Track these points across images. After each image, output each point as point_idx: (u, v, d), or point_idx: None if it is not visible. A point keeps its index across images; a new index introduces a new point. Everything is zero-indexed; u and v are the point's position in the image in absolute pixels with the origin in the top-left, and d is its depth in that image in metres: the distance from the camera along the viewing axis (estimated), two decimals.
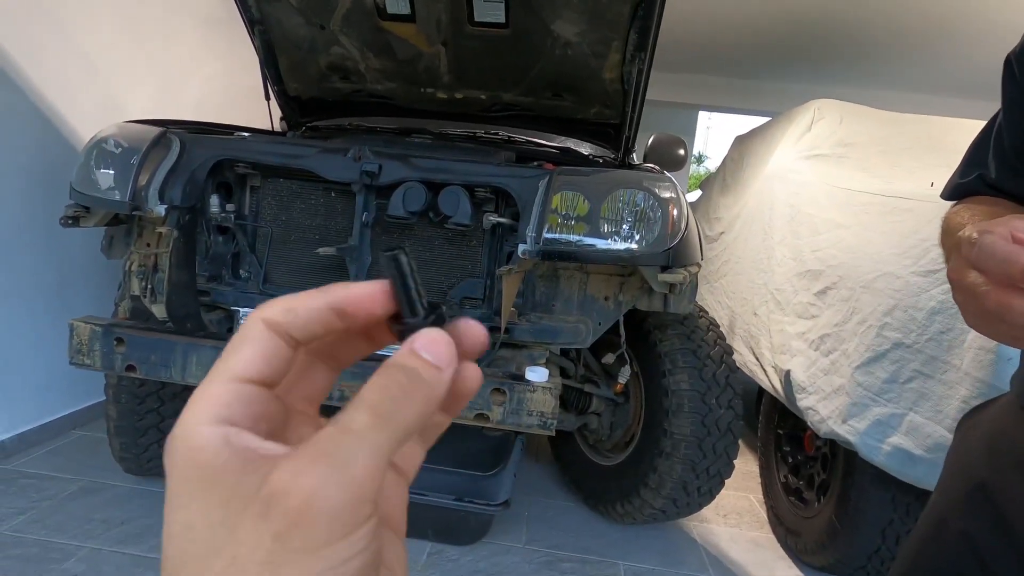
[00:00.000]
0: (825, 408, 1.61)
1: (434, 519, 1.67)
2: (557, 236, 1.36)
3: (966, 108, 4.60)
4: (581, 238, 1.36)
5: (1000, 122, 0.60)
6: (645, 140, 2.44)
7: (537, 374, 1.25)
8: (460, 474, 2.02)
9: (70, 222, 1.51)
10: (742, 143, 3.24)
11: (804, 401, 1.71)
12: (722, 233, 2.91)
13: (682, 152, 2.47)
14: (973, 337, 1.31)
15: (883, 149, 2.29)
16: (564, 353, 1.76)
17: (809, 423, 1.69)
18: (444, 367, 0.19)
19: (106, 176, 1.44)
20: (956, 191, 0.69)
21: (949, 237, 0.65)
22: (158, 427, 1.77)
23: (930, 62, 4.30)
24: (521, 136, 2.29)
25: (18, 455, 2.01)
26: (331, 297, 0.20)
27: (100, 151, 1.47)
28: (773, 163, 2.54)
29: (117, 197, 1.41)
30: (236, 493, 0.17)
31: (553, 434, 1.30)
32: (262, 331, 0.19)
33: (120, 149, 1.45)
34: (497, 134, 2.31)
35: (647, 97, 1.98)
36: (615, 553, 1.78)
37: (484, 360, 1.51)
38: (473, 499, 1.63)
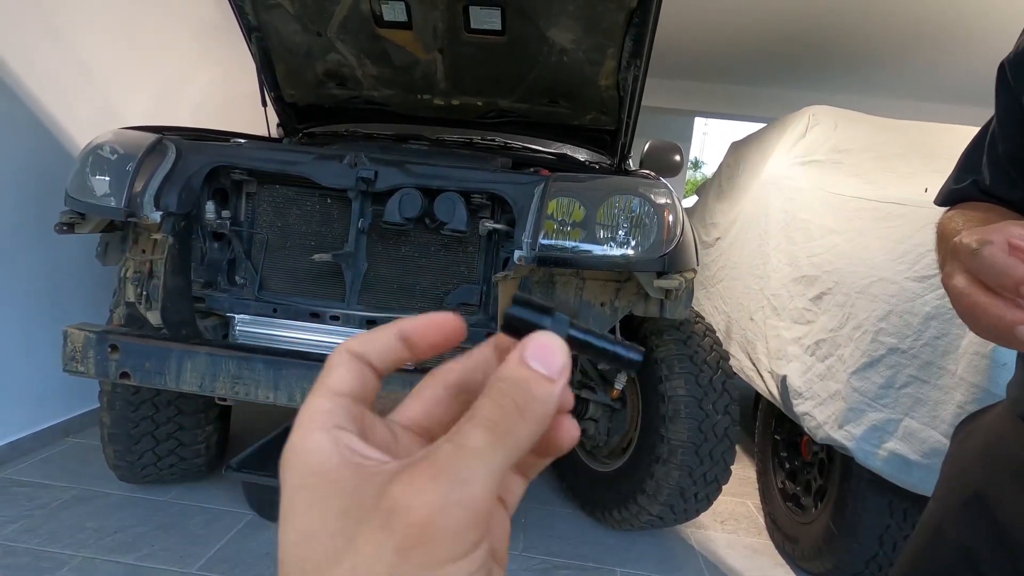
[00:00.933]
0: (821, 413, 1.61)
1: None
2: (553, 242, 1.36)
3: (959, 114, 4.63)
4: (577, 244, 1.36)
5: (994, 128, 0.61)
6: (641, 146, 2.45)
7: None
8: None
9: (65, 229, 1.50)
10: (738, 149, 3.25)
11: (801, 407, 1.71)
12: (718, 239, 2.92)
13: (678, 158, 2.48)
14: (968, 342, 1.32)
15: (877, 155, 2.31)
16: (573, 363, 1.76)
17: (806, 428, 1.69)
18: (556, 378, 0.19)
19: (102, 183, 1.44)
20: (950, 197, 0.69)
21: (944, 243, 0.66)
22: (152, 434, 1.76)
23: (924, 69, 4.34)
24: (517, 142, 2.30)
25: (11, 463, 1.99)
26: (398, 327, 0.22)
27: (96, 158, 1.47)
28: (768, 169, 2.56)
29: (112, 204, 1.41)
30: (354, 502, 0.17)
31: None
32: (348, 358, 0.21)
33: (116, 156, 1.45)
34: (493, 140, 2.32)
35: (643, 103, 1.99)
36: (612, 560, 1.77)
37: None
38: None
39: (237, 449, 1.93)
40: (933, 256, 1.50)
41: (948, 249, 0.54)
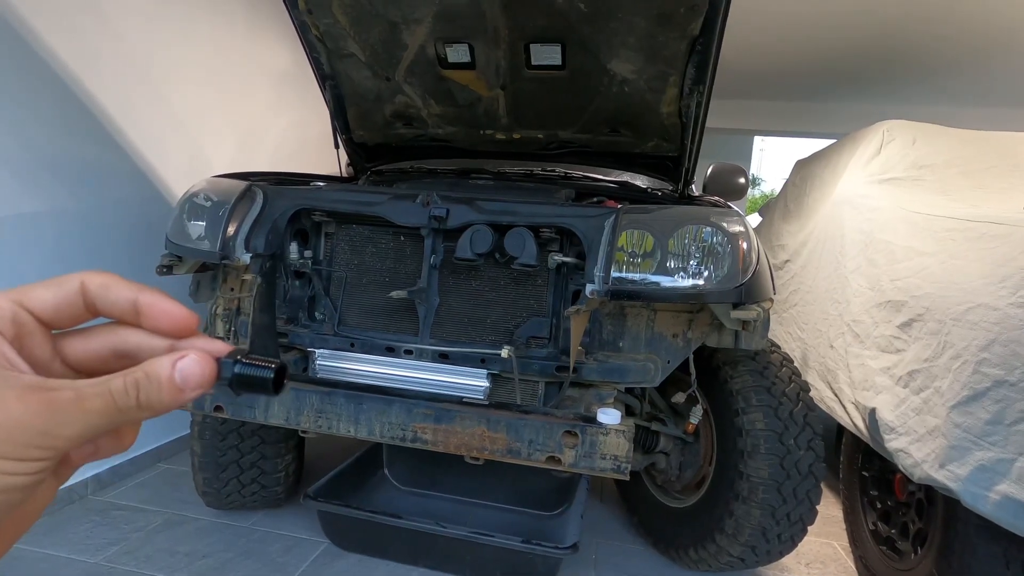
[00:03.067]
0: (919, 451, 1.49)
1: (501, 561, 1.65)
2: (624, 275, 1.35)
3: None
4: (647, 276, 1.34)
5: None
6: (702, 168, 2.41)
7: (609, 416, 1.23)
8: (525, 513, 1.99)
9: (165, 271, 1.63)
10: (804, 167, 3.14)
11: (894, 443, 1.59)
12: (787, 261, 2.81)
13: (742, 180, 2.43)
14: None
15: (963, 170, 2.17)
16: (629, 391, 1.73)
17: (900, 467, 1.58)
18: (188, 392, 0.23)
19: (198, 227, 1.56)
20: None
21: None
22: (238, 463, 1.85)
23: (1003, 74, 4.07)
24: (578, 172, 2.32)
25: (111, 487, 2.14)
26: (143, 297, 0.26)
27: (192, 205, 1.59)
28: (841, 188, 2.45)
29: (207, 247, 1.52)
30: None
31: (627, 478, 1.27)
32: (73, 287, 0.25)
33: (210, 203, 1.57)
34: (554, 170, 2.35)
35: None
36: None
37: (553, 401, 1.50)
38: (540, 540, 1.60)
39: (311, 477, 2.00)
40: None
41: None
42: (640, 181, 2.34)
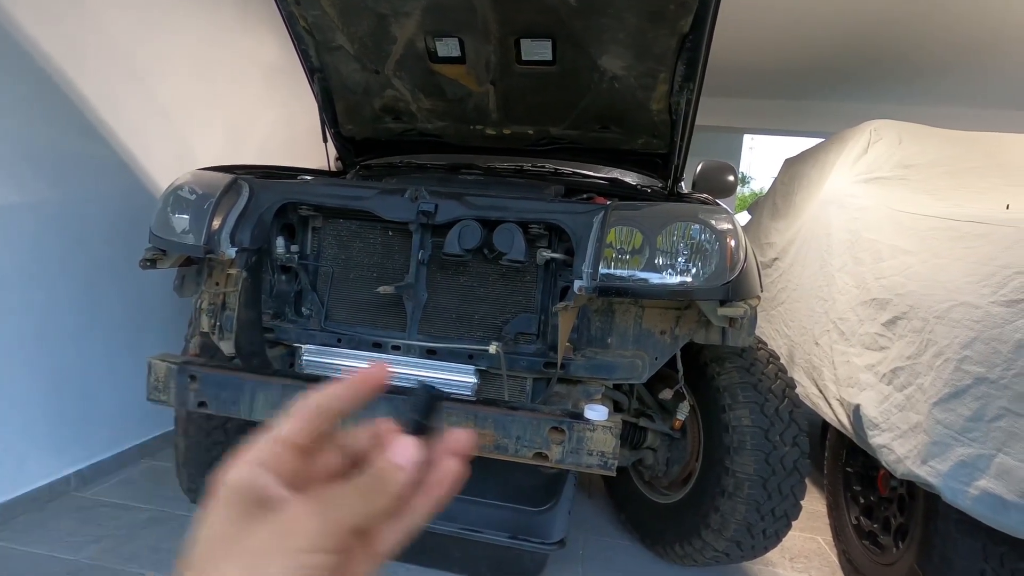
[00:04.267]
0: (902, 447, 1.51)
1: (488, 557, 1.65)
2: (613, 271, 1.35)
3: None
4: (636, 272, 1.35)
5: None
6: (692, 166, 2.41)
7: (597, 412, 1.23)
8: (512, 509, 1.99)
9: (148, 264, 1.61)
10: (792, 166, 3.16)
11: (877, 439, 1.61)
12: (775, 259, 2.83)
13: (731, 178, 2.44)
14: None
15: (948, 170, 2.19)
16: (617, 387, 1.73)
17: (883, 462, 1.60)
18: (407, 467, 0.28)
19: (182, 221, 1.54)
20: None
21: None
22: (222, 459, 1.83)
23: (991, 74, 4.12)
24: (568, 168, 2.32)
25: (94, 483, 2.11)
26: (352, 382, 0.32)
27: (176, 198, 1.57)
28: (828, 187, 2.47)
29: (192, 241, 1.50)
30: (247, 513, 0.26)
31: (614, 474, 1.27)
32: (307, 410, 0.30)
33: (195, 196, 1.55)
34: (544, 167, 2.34)
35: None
36: None
37: (540, 397, 1.50)
38: (527, 536, 1.61)
39: None
40: (1021, 279, 1.40)
41: None
42: (630, 178, 2.34)
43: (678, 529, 1.76)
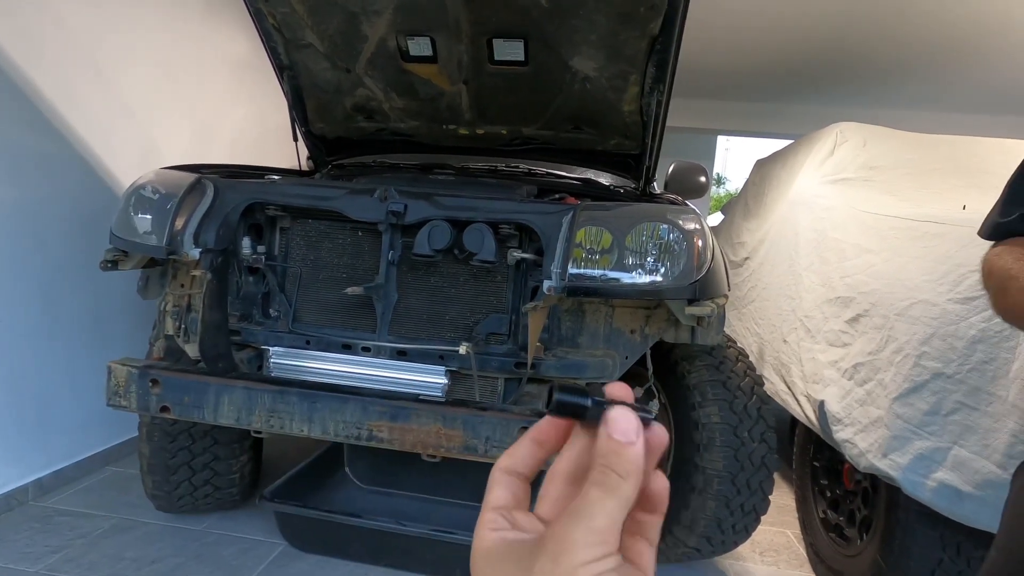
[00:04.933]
0: (863, 441, 1.55)
1: (462, 559, 1.64)
2: (582, 271, 1.36)
3: (995, 125, 4.52)
4: (605, 272, 1.36)
5: None
6: (665, 167, 2.44)
7: None
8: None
9: (110, 266, 1.56)
10: (763, 167, 3.22)
11: (841, 433, 1.65)
12: (747, 258, 2.87)
13: (703, 179, 2.47)
14: (1019, 367, 1.26)
15: (910, 171, 2.26)
16: (590, 386, 1.74)
17: (847, 456, 1.64)
18: (635, 439, 0.26)
19: (144, 221, 1.50)
20: (996, 231, 0.67)
21: (993, 279, 0.64)
22: (189, 465, 1.79)
23: (954, 80, 4.25)
24: (541, 168, 2.32)
25: (54, 492, 2.05)
26: (530, 435, 0.30)
27: (139, 197, 1.53)
28: (796, 188, 2.52)
29: (154, 242, 1.46)
30: (512, 561, 0.26)
31: None
32: (500, 475, 0.30)
33: (157, 195, 1.51)
34: (518, 167, 2.35)
35: (666, 125, 1.99)
36: None
37: (510, 397, 1.50)
38: None
39: (269, 478, 1.95)
40: (976, 277, 1.45)
41: (1008, 294, 0.52)
42: (603, 178, 2.36)
43: None
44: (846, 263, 1.89)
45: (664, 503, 0.29)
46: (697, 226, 1.42)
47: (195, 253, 1.44)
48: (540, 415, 1.28)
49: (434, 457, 1.33)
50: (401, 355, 1.55)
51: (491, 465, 0.30)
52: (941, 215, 1.64)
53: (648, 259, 1.37)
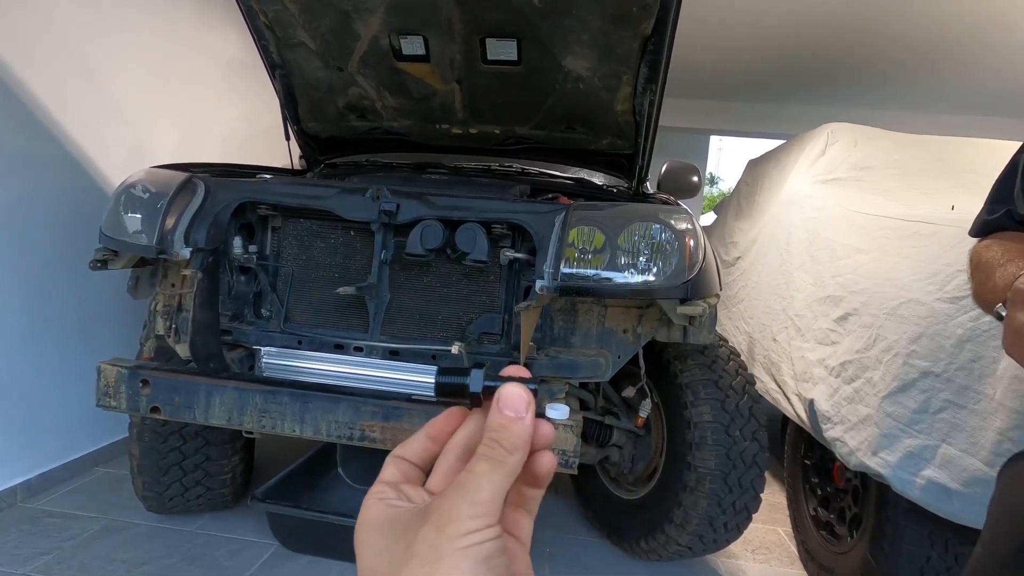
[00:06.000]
0: (853, 439, 1.56)
1: None
2: (574, 271, 1.36)
3: (983, 127, 4.56)
4: (598, 272, 1.36)
5: None
6: (658, 166, 2.45)
7: (558, 411, 1.22)
8: None
9: (99, 265, 1.55)
10: (755, 167, 3.24)
11: (831, 432, 1.66)
12: (739, 258, 2.89)
13: (695, 179, 2.48)
14: (1006, 366, 1.28)
15: (900, 172, 2.28)
16: (583, 385, 1.75)
17: (837, 455, 1.65)
18: (524, 414, 0.28)
19: (134, 220, 1.49)
20: (984, 228, 0.68)
21: (981, 272, 0.65)
22: (180, 465, 1.78)
23: (944, 81, 4.29)
24: (535, 168, 2.32)
25: (43, 494, 2.03)
26: (425, 430, 0.32)
27: (128, 196, 1.52)
28: (788, 188, 2.54)
29: (144, 241, 1.45)
30: (397, 531, 0.27)
31: (575, 472, 1.28)
32: (393, 458, 0.32)
33: (148, 194, 1.50)
34: (511, 167, 2.35)
35: (659, 125, 2.00)
36: None
37: None
38: None
39: (261, 479, 1.94)
40: (964, 277, 1.46)
41: (990, 280, 0.53)
42: (596, 178, 2.36)
43: (643, 524, 1.78)
44: (837, 263, 1.90)
45: (548, 479, 0.30)
46: (689, 226, 1.42)
47: (186, 252, 1.43)
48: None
49: None
50: (394, 355, 1.54)
51: None
52: (931, 215, 1.65)
53: (640, 259, 1.37)
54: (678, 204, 1.70)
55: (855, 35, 3.64)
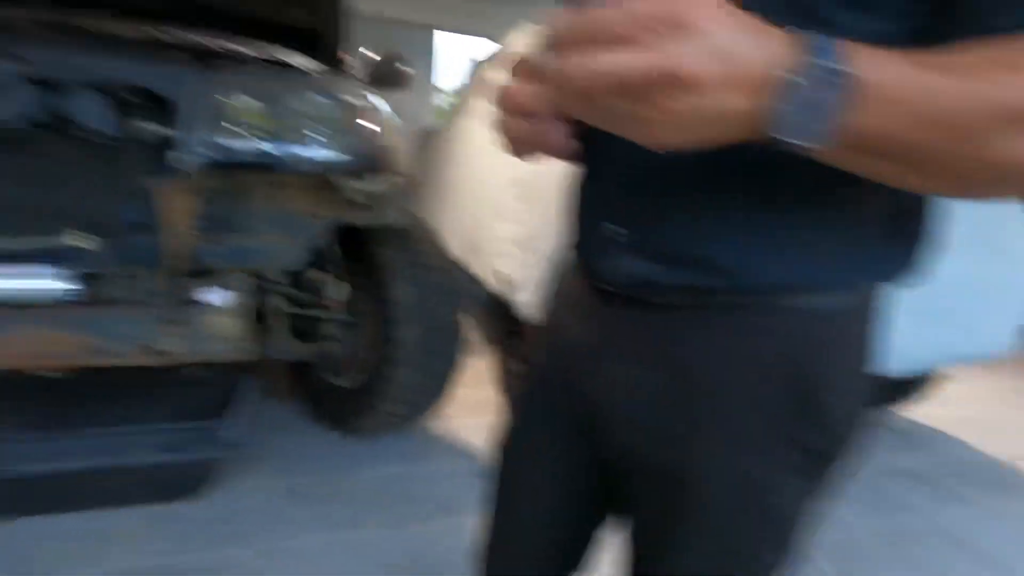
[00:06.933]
0: (533, 299, 1.82)
1: (138, 482, 1.47)
2: (228, 144, 1.22)
3: None
4: (256, 145, 1.24)
5: None
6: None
7: (215, 295, 1.14)
8: (173, 429, 1.80)
9: None
10: (478, 67, 3.32)
11: (518, 296, 1.91)
12: (464, 155, 3.01)
13: (404, 69, 2.42)
14: None
15: None
16: (297, 284, 1.67)
17: (525, 315, 1.91)
18: None
19: None
20: None
21: None
22: None
23: None
24: (215, 44, 1.97)
25: None
26: None
27: None
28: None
29: None
30: None
31: (253, 358, 1.22)
32: None
33: None
34: (184, 38, 1.95)
35: (376, 14, 1.86)
36: (362, 464, 1.83)
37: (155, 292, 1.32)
38: (187, 451, 1.48)
39: None
40: None
41: None
42: (286, 58, 2.13)
43: (359, 405, 1.85)
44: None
45: None
46: (361, 100, 1.38)
47: None
48: (183, 303, 1.16)
49: (58, 372, 1.11)
50: (11, 259, 1.22)
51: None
52: None
53: (306, 132, 1.29)
54: (356, 79, 1.63)
55: None
